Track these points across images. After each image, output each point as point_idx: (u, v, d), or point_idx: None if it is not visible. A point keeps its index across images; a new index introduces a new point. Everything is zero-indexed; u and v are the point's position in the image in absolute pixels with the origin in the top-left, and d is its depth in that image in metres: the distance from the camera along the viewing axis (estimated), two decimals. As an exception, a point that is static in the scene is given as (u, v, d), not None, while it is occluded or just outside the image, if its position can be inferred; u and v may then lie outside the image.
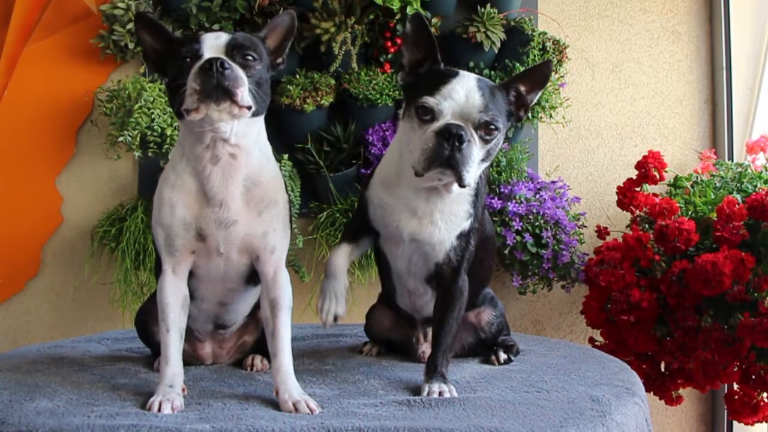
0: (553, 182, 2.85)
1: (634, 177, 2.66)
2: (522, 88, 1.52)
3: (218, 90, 1.26)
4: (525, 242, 2.61)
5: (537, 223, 2.65)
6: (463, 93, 1.41)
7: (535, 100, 1.55)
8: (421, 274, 1.65)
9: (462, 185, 1.43)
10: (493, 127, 1.42)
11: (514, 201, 2.67)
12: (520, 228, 2.63)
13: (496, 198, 2.68)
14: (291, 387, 1.38)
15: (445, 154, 1.37)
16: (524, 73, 1.56)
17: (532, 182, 2.80)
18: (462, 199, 1.58)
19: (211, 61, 1.26)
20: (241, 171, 1.39)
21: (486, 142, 1.43)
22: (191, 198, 1.40)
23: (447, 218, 1.56)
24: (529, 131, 2.98)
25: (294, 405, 1.33)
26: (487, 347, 1.81)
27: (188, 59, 1.30)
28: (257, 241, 1.42)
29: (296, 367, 1.68)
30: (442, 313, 1.59)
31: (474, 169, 1.41)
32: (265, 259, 1.44)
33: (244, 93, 1.27)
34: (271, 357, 1.44)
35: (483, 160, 1.47)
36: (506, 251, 2.64)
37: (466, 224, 1.59)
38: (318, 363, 1.77)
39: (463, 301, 1.60)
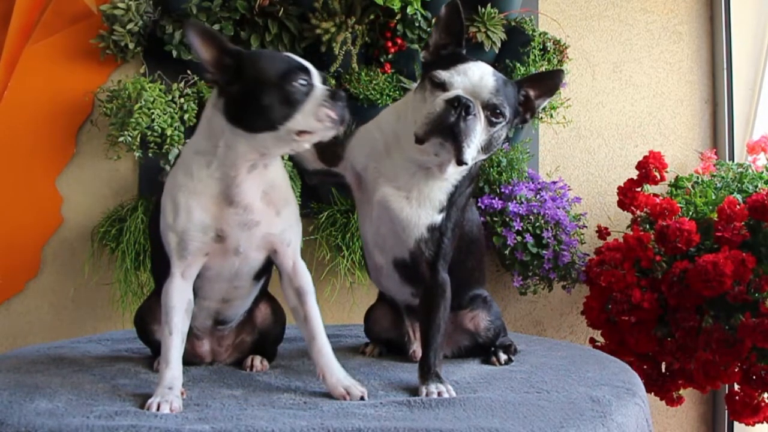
0: (554, 182, 2.84)
1: (635, 177, 2.65)
2: (531, 93, 1.55)
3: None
4: (525, 242, 2.61)
5: (537, 224, 2.64)
6: (478, 73, 1.45)
7: (543, 106, 1.55)
8: (389, 252, 1.64)
9: (460, 161, 1.43)
10: (499, 111, 1.44)
11: (514, 201, 2.67)
12: (520, 228, 2.62)
13: (496, 198, 2.67)
14: (337, 371, 1.44)
15: (450, 120, 1.38)
16: (535, 78, 1.58)
17: (533, 182, 2.79)
18: (442, 188, 1.58)
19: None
20: (267, 177, 1.47)
21: (491, 124, 1.44)
22: (210, 201, 1.44)
23: (422, 200, 1.56)
24: (529, 131, 2.97)
25: (346, 390, 1.40)
26: (485, 350, 1.81)
27: (304, 86, 1.37)
28: (276, 238, 1.49)
29: (296, 367, 1.71)
30: (428, 313, 1.58)
31: (474, 148, 1.42)
32: (283, 251, 1.51)
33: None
34: (308, 341, 1.49)
35: (483, 149, 1.47)
36: (507, 251, 2.63)
37: (437, 217, 1.58)
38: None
39: (447, 298, 1.59)
